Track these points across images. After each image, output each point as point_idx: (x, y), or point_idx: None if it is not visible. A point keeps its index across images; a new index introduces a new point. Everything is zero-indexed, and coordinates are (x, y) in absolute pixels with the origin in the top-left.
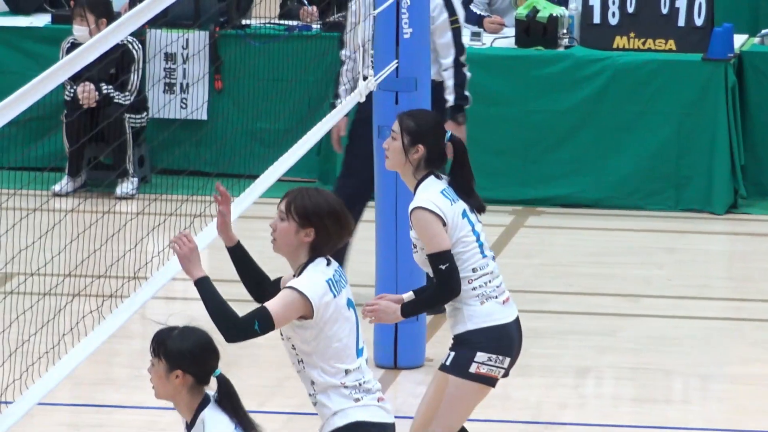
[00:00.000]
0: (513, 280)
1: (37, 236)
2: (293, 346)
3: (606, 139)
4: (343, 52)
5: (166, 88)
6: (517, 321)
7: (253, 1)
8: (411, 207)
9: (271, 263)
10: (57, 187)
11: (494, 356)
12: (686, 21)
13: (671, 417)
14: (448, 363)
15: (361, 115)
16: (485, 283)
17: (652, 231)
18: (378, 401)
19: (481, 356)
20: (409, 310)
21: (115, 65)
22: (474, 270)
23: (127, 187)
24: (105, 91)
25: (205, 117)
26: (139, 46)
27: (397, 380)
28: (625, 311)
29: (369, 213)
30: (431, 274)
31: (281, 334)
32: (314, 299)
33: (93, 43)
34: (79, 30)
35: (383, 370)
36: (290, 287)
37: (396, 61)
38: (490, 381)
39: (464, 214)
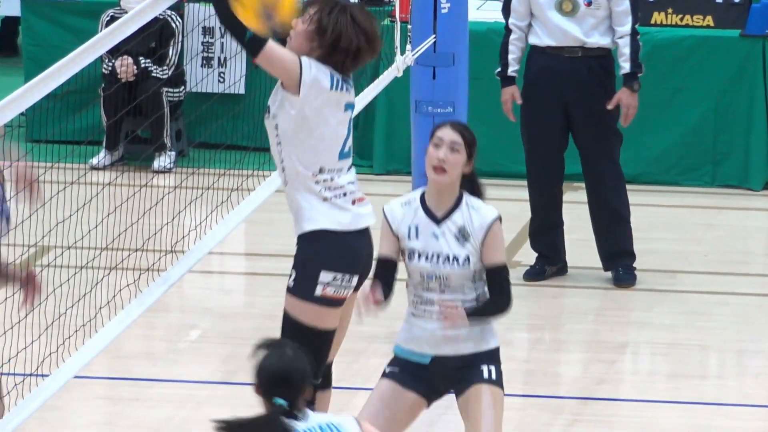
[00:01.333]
0: (527, 254)
1: (74, 209)
2: (276, 125)
3: (643, 114)
4: (510, 20)
5: (204, 62)
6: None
7: None
8: (491, 218)
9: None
10: (94, 161)
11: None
12: None
13: (707, 393)
14: (494, 378)
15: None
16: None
17: (690, 207)
18: (353, 203)
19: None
20: (473, 314)
21: (155, 39)
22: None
23: (164, 160)
24: (143, 65)
25: (242, 91)
26: (179, 20)
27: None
28: (662, 287)
29: (406, 187)
30: (470, 290)
31: (267, 112)
32: (304, 69)
33: (132, 17)
34: (134, 2)
35: None
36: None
37: (434, 36)
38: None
39: None
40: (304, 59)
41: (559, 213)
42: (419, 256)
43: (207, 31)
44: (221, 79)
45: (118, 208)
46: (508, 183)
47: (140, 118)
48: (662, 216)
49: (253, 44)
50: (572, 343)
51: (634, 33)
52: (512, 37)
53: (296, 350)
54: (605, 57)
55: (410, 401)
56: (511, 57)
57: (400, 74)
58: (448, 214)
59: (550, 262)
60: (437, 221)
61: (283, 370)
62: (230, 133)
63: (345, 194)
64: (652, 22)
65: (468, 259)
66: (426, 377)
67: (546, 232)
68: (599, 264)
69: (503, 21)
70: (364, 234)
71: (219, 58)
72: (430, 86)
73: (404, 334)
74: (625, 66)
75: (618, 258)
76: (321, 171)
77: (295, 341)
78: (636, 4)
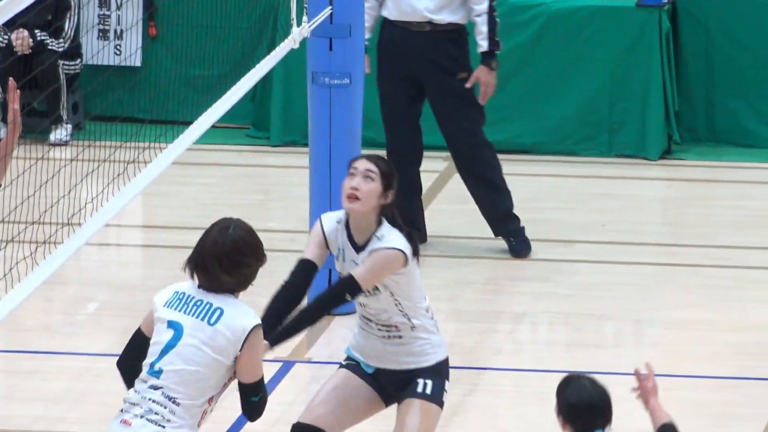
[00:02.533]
0: (447, 226)
1: None
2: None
3: (540, 85)
4: None
5: (100, 34)
6: None
7: None
8: (389, 245)
9: (206, 209)
10: None
11: (448, 383)
12: None
13: (604, 362)
14: (428, 392)
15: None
16: (432, 314)
17: (587, 177)
18: None
19: (447, 385)
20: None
21: (51, 12)
22: (425, 298)
23: (60, 133)
24: (39, 38)
25: (138, 63)
26: None
27: (330, 326)
28: (559, 257)
29: (303, 159)
30: (398, 314)
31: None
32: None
33: None
34: None
35: None
36: None
37: (330, 7)
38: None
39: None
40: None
41: (416, 186)
42: None
43: (103, 3)
44: (117, 52)
45: (15, 181)
46: None
47: (36, 91)
48: (559, 186)
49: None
50: (469, 314)
51: (491, 10)
52: (366, 5)
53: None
54: (456, 32)
55: (365, 391)
56: (365, 25)
57: (297, 46)
58: (366, 243)
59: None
60: (357, 249)
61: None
62: (127, 106)
63: None
64: None
65: (377, 288)
66: (375, 383)
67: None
68: (493, 234)
69: None
70: None
71: (115, 31)
72: (327, 57)
73: (353, 341)
74: (482, 44)
75: (503, 223)
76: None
77: None
78: None
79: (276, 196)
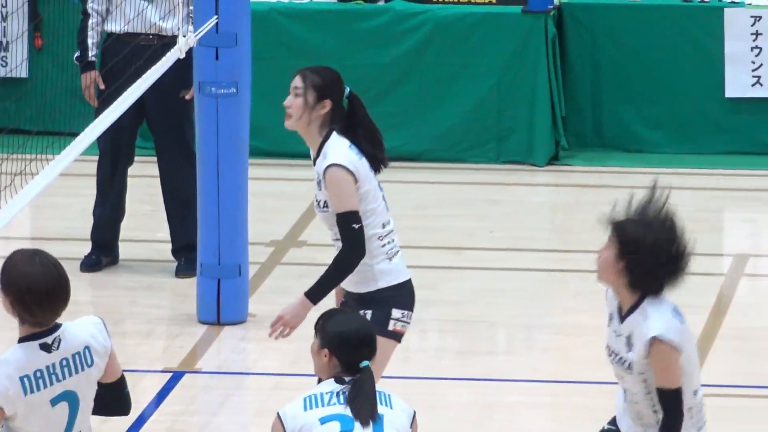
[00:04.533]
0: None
1: None
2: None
3: (427, 92)
4: (89, 5)
5: None
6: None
7: None
8: (326, 164)
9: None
10: None
11: (406, 312)
12: None
13: (496, 368)
14: None
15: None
16: (392, 239)
17: (475, 183)
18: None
19: (396, 313)
20: (317, 292)
21: None
22: (383, 225)
23: None
24: None
25: (25, 75)
26: None
27: (220, 336)
28: (447, 264)
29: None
30: (335, 236)
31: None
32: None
33: None
34: None
35: (207, 326)
36: None
37: (216, 16)
38: (400, 337)
39: (370, 168)
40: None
41: (122, 202)
42: None
43: None
44: (3, 63)
45: None
46: (295, 163)
47: None
48: (447, 193)
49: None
50: None
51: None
52: (91, 21)
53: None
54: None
55: None
56: (90, 42)
57: (183, 55)
58: (315, 158)
59: (108, 252)
60: (314, 163)
61: (363, 332)
62: (13, 117)
63: None
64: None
65: (326, 204)
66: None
67: (111, 222)
68: None
69: (295, 1)
70: None
71: (1, 42)
72: (213, 67)
73: None
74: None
75: (186, 251)
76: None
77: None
78: None
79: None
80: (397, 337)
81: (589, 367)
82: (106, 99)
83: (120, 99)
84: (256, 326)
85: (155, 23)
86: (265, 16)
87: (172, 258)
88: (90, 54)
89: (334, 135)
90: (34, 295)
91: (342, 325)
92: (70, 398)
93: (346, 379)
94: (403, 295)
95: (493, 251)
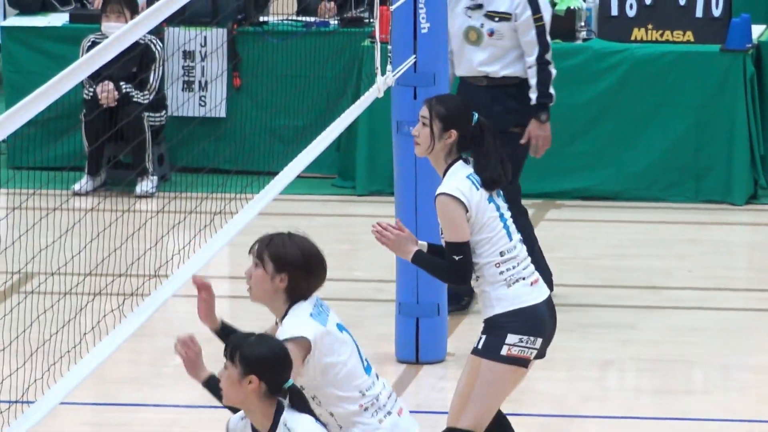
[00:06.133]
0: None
1: (57, 236)
2: (301, 386)
3: (625, 131)
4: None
5: (185, 86)
6: (547, 301)
7: None
8: (437, 192)
9: None
10: (77, 187)
11: (525, 337)
12: (704, 12)
13: (692, 408)
14: (480, 347)
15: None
16: (513, 266)
17: (673, 222)
18: (399, 414)
19: (511, 338)
20: (420, 260)
21: (136, 64)
22: (501, 254)
23: (146, 185)
24: (125, 90)
25: (223, 114)
26: (160, 44)
27: (419, 375)
28: (646, 303)
29: (389, 208)
30: None
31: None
32: (310, 337)
33: (112, 42)
34: (115, 27)
35: (405, 365)
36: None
37: (414, 56)
38: (522, 362)
39: (490, 199)
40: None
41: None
42: None
43: (187, 54)
44: (202, 103)
45: (101, 234)
46: None
47: (122, 143)
48: (646, 232)
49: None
50: (557, 361)
51: (542, 62)
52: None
53: (262, 334)
54: (512, 86)
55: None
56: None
57: (381, 95)
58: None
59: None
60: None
61: (280, 349)
62: (212, 157)
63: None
64: (632, 38)
65: (443, 231)
66: None
67: None
68: (583, 281)
69: None
70: None
71: (200, 82)
72: (411, 106)
73: None
74: (532, 97)
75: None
76: (363, 395)
77: None
78: (543, 34)
79: (362, 245)
80: (514, 361)
81: None
82: None
83: (319, 138)
84: (455, 365)
85: (480, 66)
86: None
87: (368, 297)
88: None
89: (459, 164)
90: (312, 265)
91: (261, 348)
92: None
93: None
94: (521, 320)
95: (692, 290)
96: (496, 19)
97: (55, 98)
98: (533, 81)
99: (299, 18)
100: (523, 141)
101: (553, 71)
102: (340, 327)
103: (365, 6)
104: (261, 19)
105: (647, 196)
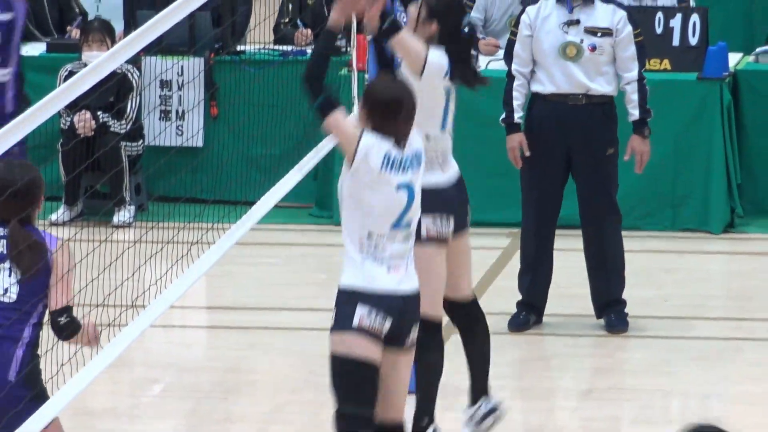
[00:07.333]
0: (512, 302)
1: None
2: (340, 185)
3: None
4: (513, 66)
5: (162, 115)
6: (457, 182)
7: (247, 26)
8: None
9: (270, 290)
10: (54, 217)
11: (437, 216)
12: (681, 40)
13: None
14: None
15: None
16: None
17: (649, 251)
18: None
19: (425, 220)
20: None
21: (114, 93)
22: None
23: (124, 215)
24: (102, 120)
25: (201, 144)
26: (138, 73)
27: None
28: (624, 333)
29: None
30: None
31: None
32: (361, 148)
33: (89, 71)
34: (96, 56)
35: None
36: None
37: None
38: (442, 240)
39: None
40: (366, 135)
41: (550, 263)
42: None
43: (164, 84)
44: (179, 132)
45: (78, 264)
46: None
47: (99, 172)
48: None
49: (321, 109)
50: (535, 391)
51: (641, 78)
52: (516, 83)
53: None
54: (608, 104)
55: None
56: (516, 103)
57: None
58: None
59: (535, 311)
60: None
61: None
62: (189, 187)
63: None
64: None
65: None
66: None
67: (535, 281)
68: (560, 310)
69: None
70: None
71: (177, 111)
72: None
73: None
74: (634, 113)
75: (610, 306)
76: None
77: None
78: (643, 50)
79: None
80: (434, 240)
81: None
82: (532, 161)
83: (296, 167)
84: None
85: (582, 82)
86: None
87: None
88: (516, 116)
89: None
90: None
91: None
92: (409, 190)
93: None
94: (428, 201)
95: (669, 320)
96: (599, 34)
97: (32, 128)
98: (635, 96)
99: (276, 47)
100: (626, 157)
101: (647, 87)
102: (403, 186)
103: (342, 35)
104: (238, 48)
105: (624, 224)
